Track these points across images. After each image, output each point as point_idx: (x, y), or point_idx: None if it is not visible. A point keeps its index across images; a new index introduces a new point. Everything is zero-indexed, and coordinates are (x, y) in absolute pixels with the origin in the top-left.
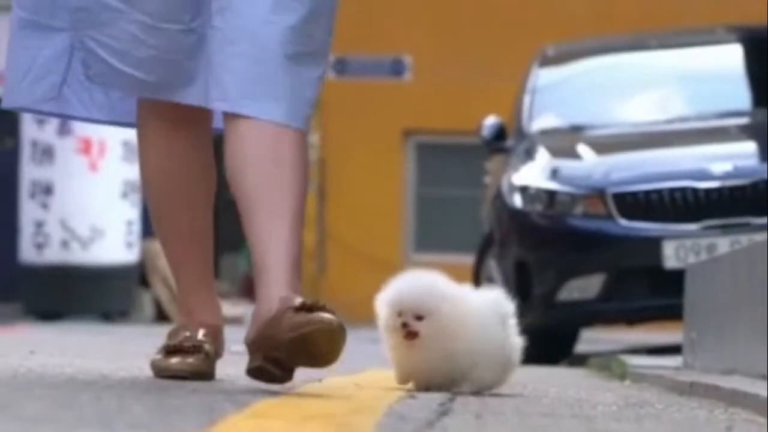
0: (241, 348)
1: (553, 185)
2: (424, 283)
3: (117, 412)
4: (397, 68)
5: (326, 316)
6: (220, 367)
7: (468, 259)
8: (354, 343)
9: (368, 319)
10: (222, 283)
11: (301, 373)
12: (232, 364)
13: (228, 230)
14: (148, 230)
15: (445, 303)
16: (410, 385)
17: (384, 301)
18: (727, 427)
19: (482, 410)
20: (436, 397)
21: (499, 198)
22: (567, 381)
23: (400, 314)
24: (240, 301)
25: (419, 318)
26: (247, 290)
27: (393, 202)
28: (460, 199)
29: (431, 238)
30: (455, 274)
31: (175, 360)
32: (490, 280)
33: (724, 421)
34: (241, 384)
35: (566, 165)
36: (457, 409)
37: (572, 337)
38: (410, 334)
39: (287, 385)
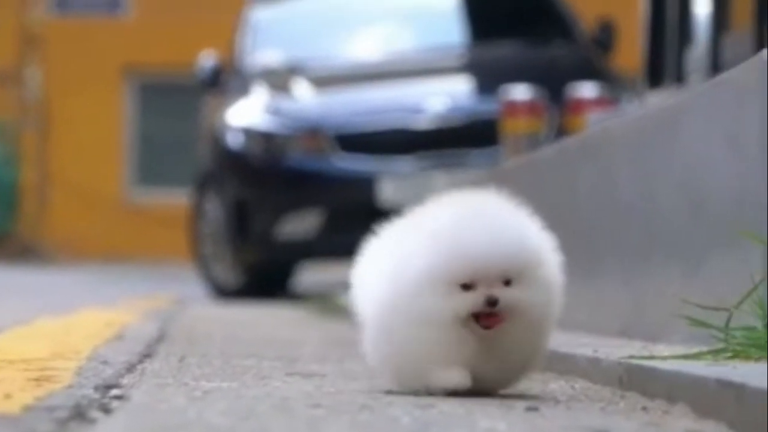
0: None
1: (268, 124)
2: (508, 218)
3: None
4: (113, 3)
5: None
6: None
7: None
8: (71, 282)
9: (88, 255)
10: None
11: (10, 314)
12: None
13: None
14: None
15: (544, 252)
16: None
17: (429, 264)
18: None
19: (188, 352)
20: (144, 337)
21: (216, 137)
22: (282, 320)
23: (471, 284)
24: None
25: (507, 283)
26: None
27: (115, 139)
28: (182, 137)
29: (153, 175)
30: (176, 211)
31: None
32: (209, 218)
33: None
34: None
35: (283, 103)
36: (161, 352)
37: (289, 273)
38: (495, 317)
39: None
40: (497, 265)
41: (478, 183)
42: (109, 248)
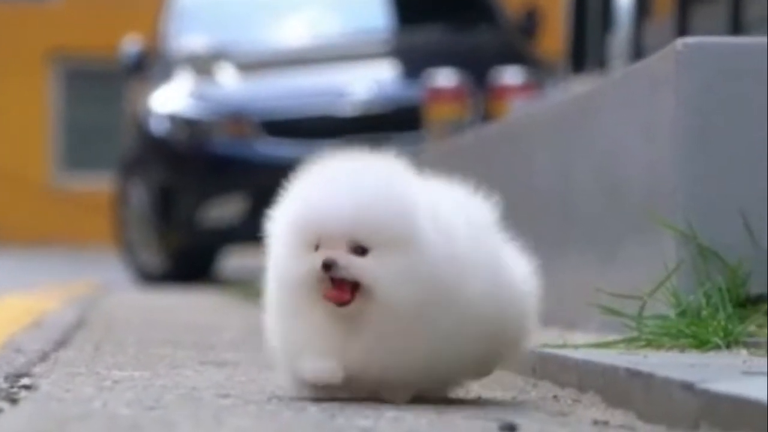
0: None
1: (193, 109)
2: (374, 178)
3: None
4: None
5: None
6: None
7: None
8: None
9: (14, 240)
10: None
11: None
12: None
13: None
14: None
15: (420, 216)
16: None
17: (286, 221)
18: None
19: (104, 340)
20: (62, 324)
21: (140, 122)
22: (204, 306)
23: (318, 245)
24: None
25: (361, 252)
26: None
27: (40, 124)
28: (108, 122)
29: (78, 160)
30: (101, 196)
31: None
32: (134, 204)
33: None
34: None
35: (207, 89)
36: (78, 339)
37: (213, 258)
38: (342, 289)
39: None
40: (339, 226)
41: None
42: (34, 233)
